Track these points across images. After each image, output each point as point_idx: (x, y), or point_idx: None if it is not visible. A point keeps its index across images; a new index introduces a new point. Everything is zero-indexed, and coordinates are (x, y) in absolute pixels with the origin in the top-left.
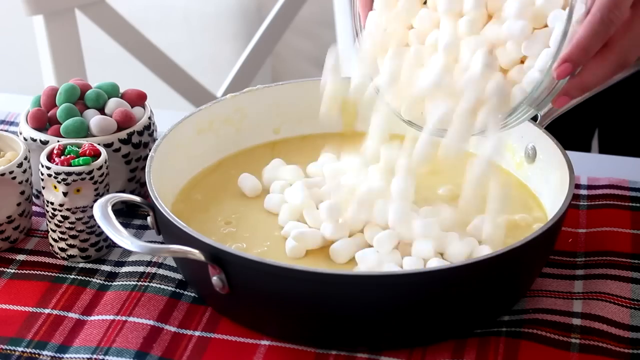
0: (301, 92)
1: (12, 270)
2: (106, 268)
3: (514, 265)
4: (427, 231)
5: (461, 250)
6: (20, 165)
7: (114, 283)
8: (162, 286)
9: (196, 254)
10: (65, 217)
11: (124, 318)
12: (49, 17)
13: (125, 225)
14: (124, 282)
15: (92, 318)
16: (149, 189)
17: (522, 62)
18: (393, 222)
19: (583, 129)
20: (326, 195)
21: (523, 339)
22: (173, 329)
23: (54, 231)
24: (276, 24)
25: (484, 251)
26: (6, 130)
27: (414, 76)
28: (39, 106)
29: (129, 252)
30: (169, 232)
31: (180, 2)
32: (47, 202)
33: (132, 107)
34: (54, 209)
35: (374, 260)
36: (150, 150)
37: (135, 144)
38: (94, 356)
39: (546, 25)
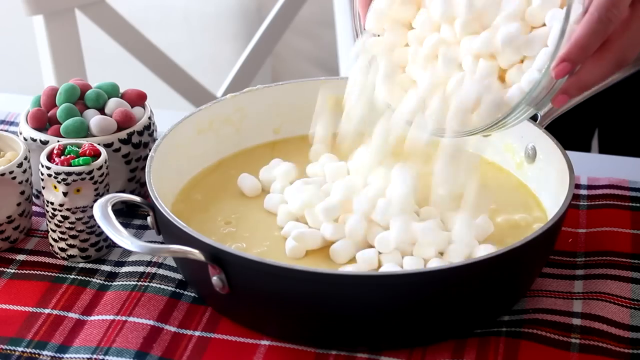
0: (301, 92)
1: (12, 270)
2: (106, 268)
3: (514, 265)
4: (428, 236)
5: (461, 251)
6: (20, 165)
7: (114, 283)
8: (162, 286)
9: (196, 254)
10: (65, 217)
11: (124, 318)
12: (49, 17)
13: (125, 225)
14: (124, 282)
15: (92, 318)
16: (149, 189)
17: (522, 61)
18: (396, 238)
19: (583, 129)
20: (327, 195)
21: (523, 339)
22: (173, 329)
23: (54, 231)
24: (276, 24)
25: (483, 251)
26: (6, 130)
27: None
28: (39, 106)
29: (129, 252)
30: (169, 232)
31: (180, 2)
32: (47, 202)
33: (132, 107)
34: (54, 209)
35: (374, 260)
36: (150, 150)
37: (135, 144)
38: (94, 356)
39: (545, 25)
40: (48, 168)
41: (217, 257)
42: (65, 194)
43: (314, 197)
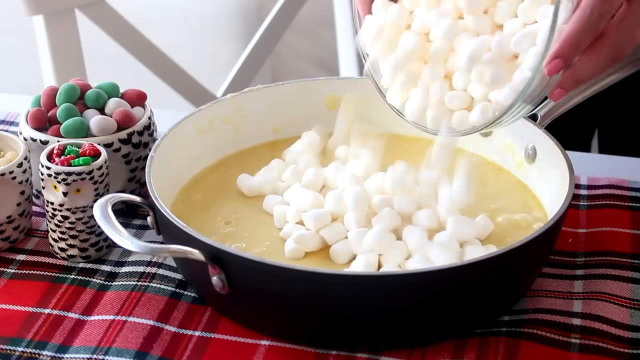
0: (301, 92)
1: (12, 270)
2: (106, 268)
3: (514, 265)
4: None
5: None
6: (20, 165)
7: (114, 283)
8: (162, 286)
9: (196, 254)
10: (65, 217)
11: (124, 318)
12: (49, 17)
13: (125, 225)
14: (124, 282)
15: (92, 318)
16: (149, 189)
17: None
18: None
19: (583, 129)
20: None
21: (523, 339)
22: (173, 329)
23: (54, 231)
24: (276, 24)
25: (470, 254)
26: (6, 130)
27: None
28: (39, 106)
29: (129, 252)
30: (169, 232)
31: (180, 2)
32: (47, 202)
33: (132, 107)
34: (54, 209)
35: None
36: (150, 150)
37: (135, 144)
38: (94, 356)
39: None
40: (48, 168)
41: (217, 257)
42: (65, 194)
43: (312, 203)
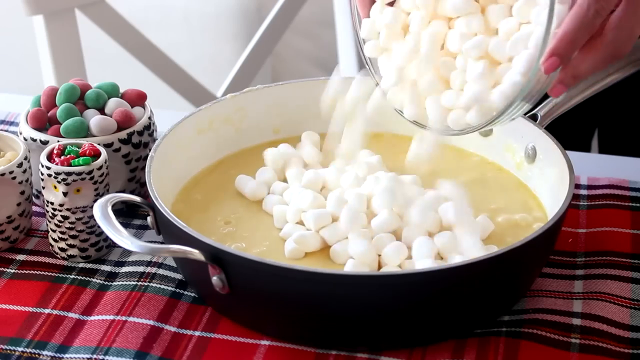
0: (301, 92)
1: (12, 270)
2: (106, 268)
3: (514, 265)
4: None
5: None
6: (20, 165)
7: (114, 283)
8: (162, 286)
9: (196, 254)
10: (65, 217)
11: (124, 318)
12: (49, 17)
13: (125, 225)
14: (124, 282)
15: (92, 318)
16: (149, 189)
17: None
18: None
19: (583, 129)
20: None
21: (523, 339)
22: (173, 329)
23: (54, 231)
24: (276, 24)
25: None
26: (6, 130)
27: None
28: (39, 106)
29: (129, 252)
30: (169, 232)
31: (180, 2)
32: (47, 202)
33: (132, 107)
34: (54, 209)
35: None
36: (150, 150)
37: (135, 144)
38: (94, 356)
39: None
40: (48, 168)
41: (217, 257)
42: (65, 194)
43: (311, 203)
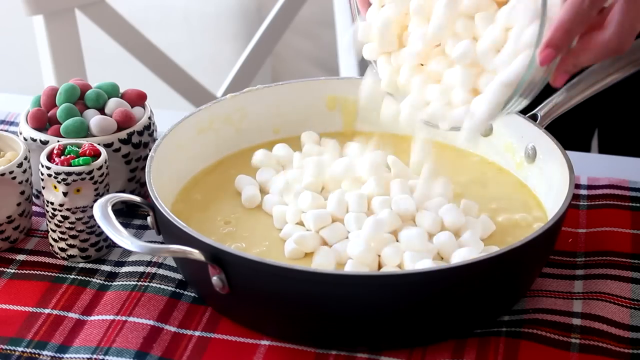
0: (301, 92)
1: (12, 270)
2: (106, 268)
3: (514, 265)
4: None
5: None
6: (20, 165)
7: (114, 283)
8: (162, 286)
9: (196, 254)
10: (65, 217)
11: (124, 318)
12: (49, 17)
13: (125, 225)
14: (124, 282)
15: (92, 318)
16: (149, 189)
17: None
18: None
19: (583, 129)
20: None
21: (523, 339)
22: (173, 329)
23: (54, 231)
24: (276, 24)
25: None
26: (6, 130)
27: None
28: (39, 106)
29: (129, 252)
30: (169, 232)
31: (180, 2)
32: (47, 202)
33: (132, 107)
34: (54, 209)
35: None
36: (150, 150)
37: (135, 144)
38: (94, 356)
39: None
40: (48, 168)
41: (217, 257)
42: (65, 194)
43: (311, 204)
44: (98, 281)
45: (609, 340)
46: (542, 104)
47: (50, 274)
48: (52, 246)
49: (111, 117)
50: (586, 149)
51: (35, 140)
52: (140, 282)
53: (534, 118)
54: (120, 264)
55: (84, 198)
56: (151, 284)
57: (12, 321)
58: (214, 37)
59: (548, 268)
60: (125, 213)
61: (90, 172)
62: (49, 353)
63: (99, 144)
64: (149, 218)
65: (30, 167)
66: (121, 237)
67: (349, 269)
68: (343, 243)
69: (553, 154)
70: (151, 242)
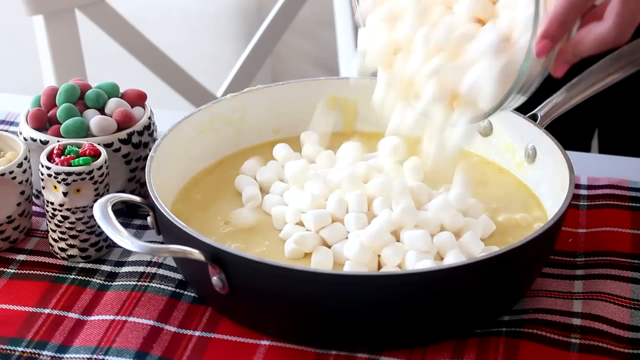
0: (301, 92)
1: (12, 270)
2: (106, 268)
3: (514, 265)
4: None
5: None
6: (20, 165)
7: (114, 283)
8: (162, 286)
9: (196, 254)
10: (65, 217)
11: (124, 318)
12: (49, 17)
13: (125, 225)
14: (124, 282)
15: (92, 318)
16: (149, 189)
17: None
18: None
19: (583, 129)
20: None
21: (523, 339)
22: (173, 329)
23: (54, 231)
24: (276, 24)
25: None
26: (6, 130)
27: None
28: (39, 106)
29: (129, 252)
30: (169, 232)
31: (180, 2)
32: (47, 202)
33: (132, 107)
34: (54, 209)
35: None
36: (150, 150)
37: (135, 144)
38: (94, 356)
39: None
40: (48, 168)
41: (217, 257)
42: (65, 194)
43: (310, 204)
44: (98, 281)
45: (609, 340)
46: (542, 104)
47: (50, 274)
48: (52, 246)
49: (111, 117)
50: (586, 149)
51: (35, 140)
52: (140, 282)
53: (534, 118)
54: (120, 264)
55: (84, 198)
56: (151, 284)
57: (12, 321)
58: (214, 37)
59: (548, 268)
60: (125, 213)
61: (90, 172)
62: (49, 353)
63: (99, 144)
64: (149, 218)
65: (30, 167)
66: (121, 237)
67: (348, 269)
68: (343, 243)
69: (553, 154)
70: (151, 242)
